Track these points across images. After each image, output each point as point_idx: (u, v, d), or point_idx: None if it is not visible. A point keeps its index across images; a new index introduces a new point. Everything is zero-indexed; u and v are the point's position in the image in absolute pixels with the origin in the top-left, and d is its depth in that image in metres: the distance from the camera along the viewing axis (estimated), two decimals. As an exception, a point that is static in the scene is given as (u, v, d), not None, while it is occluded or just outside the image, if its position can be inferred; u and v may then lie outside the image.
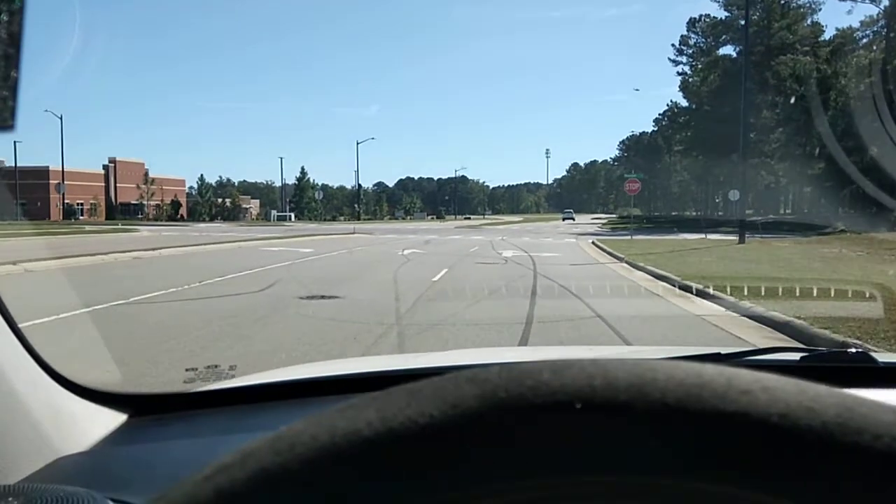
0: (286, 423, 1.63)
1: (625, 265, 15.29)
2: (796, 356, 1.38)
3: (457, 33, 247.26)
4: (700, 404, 0.29)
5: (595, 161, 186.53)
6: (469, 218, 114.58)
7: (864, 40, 45.68)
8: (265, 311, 8.01)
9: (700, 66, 62.61)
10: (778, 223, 40.65)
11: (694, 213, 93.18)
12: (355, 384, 1.29)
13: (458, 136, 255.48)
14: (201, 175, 75.73)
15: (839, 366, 1.35)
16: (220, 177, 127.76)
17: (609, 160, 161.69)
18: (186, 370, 4.34)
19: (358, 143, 79.76)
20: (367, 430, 0.30)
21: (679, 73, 69.32)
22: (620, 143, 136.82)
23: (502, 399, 0.30)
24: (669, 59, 69.65)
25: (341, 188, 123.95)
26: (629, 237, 28.71)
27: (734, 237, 30.09)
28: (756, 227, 36.67)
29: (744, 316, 7.63)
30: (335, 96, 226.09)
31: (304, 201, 79.07)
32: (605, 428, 0.29)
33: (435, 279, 12.00)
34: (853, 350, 1.41)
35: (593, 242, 25.49)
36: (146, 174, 66.04)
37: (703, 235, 32.33)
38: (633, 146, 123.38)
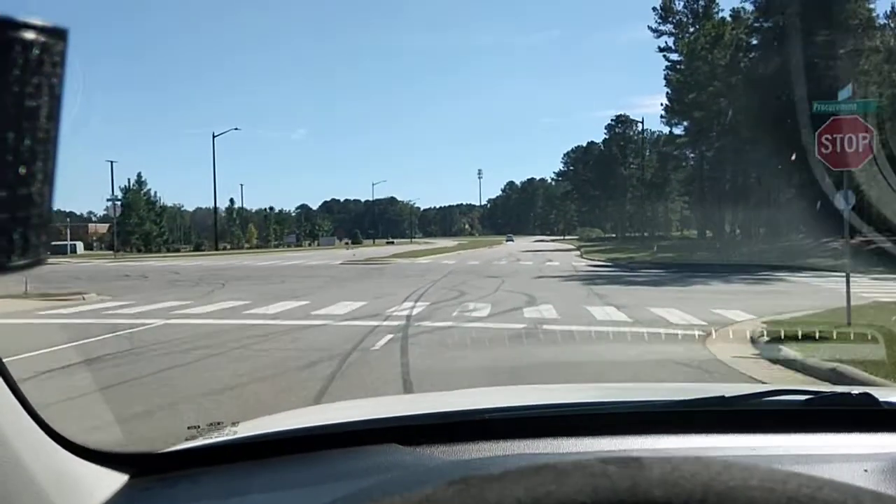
0: (292, 479, 1.21)
1: None
2: (801, 398, 1.38)
3: (386, 58, 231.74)
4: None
5: (532, 179, 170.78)
6: (392, 242, 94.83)
7: None
8: None
9: (706, 26, 45.48)
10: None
11: (663, 234, 76.14)
12: (359, 435, 1.29)
13: (389, 158, 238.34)
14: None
15: (842, 409, 1.36)
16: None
17: (549, 178, 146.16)
18: (188, 427, 2.90)
19: (214, 136, 57.77)
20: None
21: (660, 49, 52.72)
22: (565, 155, 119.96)
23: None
24: (649, 27, 53.01)
25: (259, 211, 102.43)
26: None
27: None
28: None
29: None
30: (261, 119, 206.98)
31: (131, 222, 55.52)
32: None
33: None
34: (856, 392, 1.38)
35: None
36: None
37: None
38: (581, 158, 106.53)
